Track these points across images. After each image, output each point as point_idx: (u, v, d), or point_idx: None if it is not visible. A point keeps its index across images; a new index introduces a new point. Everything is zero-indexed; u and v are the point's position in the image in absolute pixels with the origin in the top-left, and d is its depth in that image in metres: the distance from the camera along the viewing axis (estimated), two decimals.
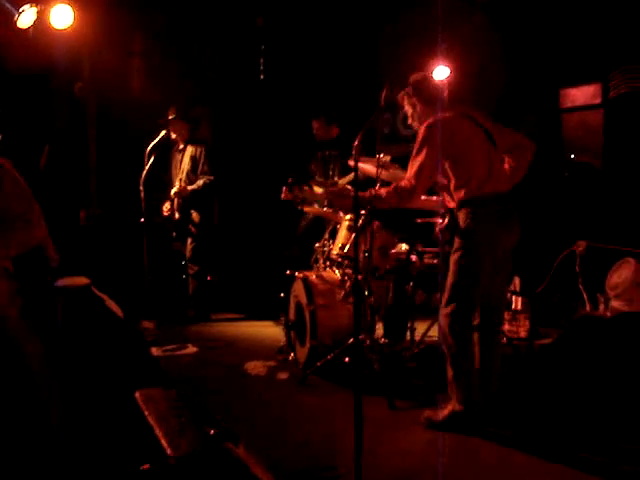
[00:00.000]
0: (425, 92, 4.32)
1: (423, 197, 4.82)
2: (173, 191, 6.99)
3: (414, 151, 4.10)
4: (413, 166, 4.07)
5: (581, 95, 6.91)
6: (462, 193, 4.03)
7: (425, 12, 7.75)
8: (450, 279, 4.06)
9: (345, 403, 4.16)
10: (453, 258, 4.05)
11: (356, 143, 3.59)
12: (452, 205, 4.16)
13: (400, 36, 8.14)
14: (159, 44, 8.11)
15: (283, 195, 4.60)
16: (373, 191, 4.27)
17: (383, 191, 4.21)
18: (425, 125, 4.10)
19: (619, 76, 6.40)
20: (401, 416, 4.38)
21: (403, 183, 4.10)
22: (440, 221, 4.81)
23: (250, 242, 8.33)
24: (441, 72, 6.98)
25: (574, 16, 6.67)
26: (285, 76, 8.56)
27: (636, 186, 6.15)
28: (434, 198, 4.78)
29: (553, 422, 4.13)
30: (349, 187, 5.82)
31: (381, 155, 5.08)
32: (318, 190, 5.81)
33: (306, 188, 4.62)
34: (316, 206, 6.05)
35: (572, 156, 7.10)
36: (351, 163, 4.52)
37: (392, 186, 4.16)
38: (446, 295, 4.06)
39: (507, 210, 4.06)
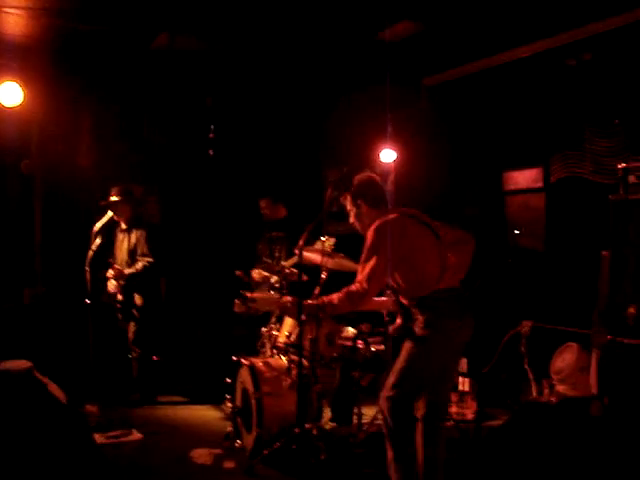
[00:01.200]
0: (370, 194, 4.36)
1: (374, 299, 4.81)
2: (109, 272, 6.87)
3: (364, 255, 4.11)
4: (364, 270, 4.07)
5: (523, 178, 7.08)
6: (417, 291, 4.08)
7: (372, 94, 7.95)
8: (399, 365, 4.07)
9: None
10: (406, 346, 4.08)
11: (301, 243, 3.63)
12: (406, 302, 4.20)
13: (347, 117, 8.32)
14: (108, 122, 8.12)
15: (236, 308, 4.63)
16: (325, 298, 4.24)
17: (335, 297, 4.18)
18: (373, 229, 4.13)
19: (559, 161, 6.59)
20: None
21: (354, 287, 4.09)
22: (389, 320, 4.86)
23: (197, 322, 8.25)
24: (387, 155, 7.16)
25: (516, 104, 6.90)
26: (234, 155, 8.63)
27: (577, 267, 6.28)
28: (384, 299, 4.74)
29: None
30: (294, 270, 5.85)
31: (324, 238, 5.12)
32: (269, 299, 5.81)
33: (257, 297, 4.67)
34: (260, 292, 6.09)
35: (516, 232, 7.24)
36: (296, 251, 4.54)
37: (343, 291, 4.14)
38: (392, 379, 4.07)
39: (461, 304, 4.12)
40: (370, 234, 4.13)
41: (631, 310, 3.33)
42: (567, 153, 6.52)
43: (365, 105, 8.07)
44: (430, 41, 6.82)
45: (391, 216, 4.21)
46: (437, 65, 7.43)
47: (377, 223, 4.16)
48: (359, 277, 4.10)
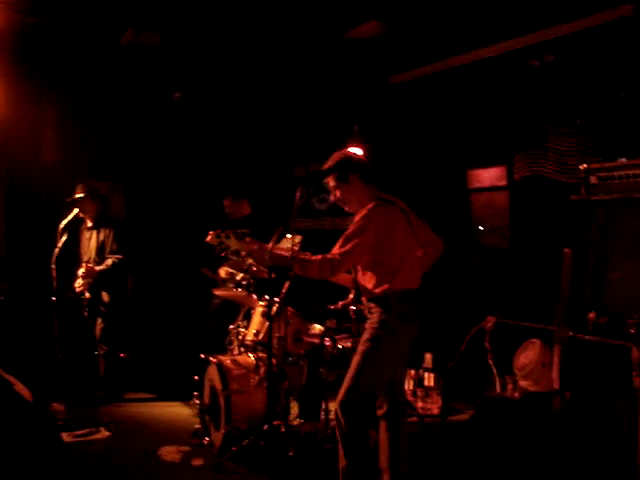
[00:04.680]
0: (365, 170, 4.25)
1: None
2: (80, 272, 6.84)
3: (350, 230, 4.06)
4: (345, 245, 4.01)
5: (488, 176, 7.17)
6: (382, 287, 4.07)
7: (340, 92, 8.01)
8: (354, 369, 4.06)
9: None
10: (360, 349, 4.08)
11: (271, 244, 3.64)
12: (366, 295, 4.22)
13: (315, 115, 8.36)
14: (73, 118, 8.06)
15: (209, 238, 4.51)
16: (300, 255, 4.15)
17: (309, 257, 4.09)
18: (369, 210, 4.08)
19: (523, 160, 6.69)
20: None
21: (330, 257, 4.02)
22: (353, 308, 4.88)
23: (164, 319, 8.24)
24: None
25: (481, 103, 7.00)
26: (201, 151, 8.64)
27: (540, 264, 6.39)
28: (350, 276, 4.77)
29: None
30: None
31: (290, 236, 5.08)
32: (241, 241, 5.75)
33: (232, 236, 4.55)
34: (227, 289, 6.11)
35: (480, 228, 7.33)
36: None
37: (319, 256, 4.04)
38: (346, 384, 4.06)
39: (416, 306, 4.16)
40: (364, 214, 4.08)
41: (591, 315, 3.42)
42: (530, 152, 6.61)
43: (333, 102, 8.12)
44: (397, 40, 6.88)
45: (387, 206, 4.15)
46: (404, 63, 7.49)
47: (373, 206, 4.10)
48: (336, 250, 4.04)
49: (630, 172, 4.38)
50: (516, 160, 6.76)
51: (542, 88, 6.40)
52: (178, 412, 6.51)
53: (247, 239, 4.25)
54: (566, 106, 6.22)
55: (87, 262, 6.85)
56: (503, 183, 7.01)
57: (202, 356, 5.56)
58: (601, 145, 5.77)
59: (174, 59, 7.63)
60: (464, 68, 6.96)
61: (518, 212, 6.89)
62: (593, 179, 4.52)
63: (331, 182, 4.28)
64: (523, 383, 5.75)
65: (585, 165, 4.60)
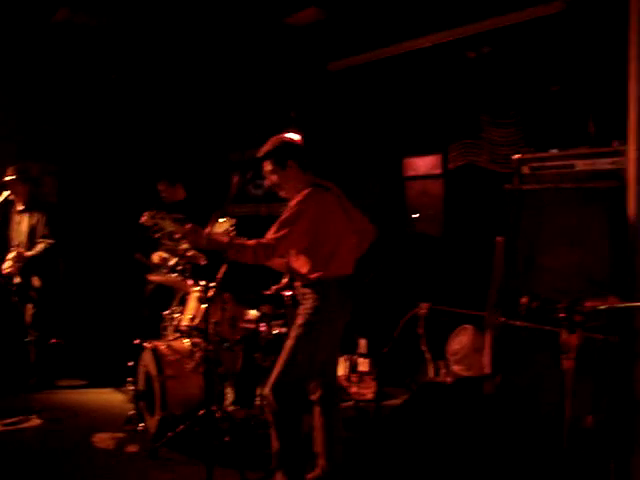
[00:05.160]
0: (302, 157, 4.22)
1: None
2: (10, 256, 6.67)
3: (285, 215, 4.01)
4: (280, 230, 3.95)
5: (423, 165, 7.27)
6: (316, 273, 4.09)
7: (277, 78, 7.99)
8: (286, 353, 4.08)
9: (198, 477, 4.19)
10: (293, 334, 4.10)
11: (209, 228, 3.63)
12: (300, 280, 4.22)
13: (252, 100, 8.33)
14: (3, 96, 7.86)
15: (144, 219, 4.42)
16: (236, 240, 4.07)
17: (245, 242, 3.99)
18: (304, 196, 4.05)
19: (457, 149, 6.80)
20: None
21: (265, 242, 3.95)
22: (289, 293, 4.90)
23: (96, 304, 8.11)
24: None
25: (417, 92, 7.07)
26: (136, 134, 8.53)
27: (473, 251, 6.51)
28: (283, 261, 4.76)
29: None
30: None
31: (223, 220, 5.02)
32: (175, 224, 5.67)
33: (167, 217, 4.48)
34: (162, 275, 6.04)
35: (414, 216, 7.43)
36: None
37: (254, 241, 3.96)
38: (279, 368, 4.06)
39: (349, 292, 4.19)
40: (300, 200, 4.04)
41: (523, 300, 3.51)
42: (465, 141, 6.71)
43: (270, 88, 8.10)
44: (335, 27, 6.90)
45: (323, 192, 4.14)
46: (341, 51, 7.51)
47: (309, 192, 4.07)
48: (271, 235, 3.97)
49: (561, 163, 4.49)
50: (451, 149, 6.86)
51: (477, 79, 6.51)
52: (112, 399, 6.44)
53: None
54: (501, 97, 6.33)
55: (18, 246, 6.70)
56: (438, 171, 7.11)
57: (136, 341, 5.50)
58: (534, 136, 5.90)
59: (110, 40, 7.49)
60: (401, 57, 7.00)
61: (452, 200, 7.00)
62: (525, 169, 4.62)
63: (268, 166, 4.24)
64: (456, 368, 5.86)
65: (518, 155, 4.69)
